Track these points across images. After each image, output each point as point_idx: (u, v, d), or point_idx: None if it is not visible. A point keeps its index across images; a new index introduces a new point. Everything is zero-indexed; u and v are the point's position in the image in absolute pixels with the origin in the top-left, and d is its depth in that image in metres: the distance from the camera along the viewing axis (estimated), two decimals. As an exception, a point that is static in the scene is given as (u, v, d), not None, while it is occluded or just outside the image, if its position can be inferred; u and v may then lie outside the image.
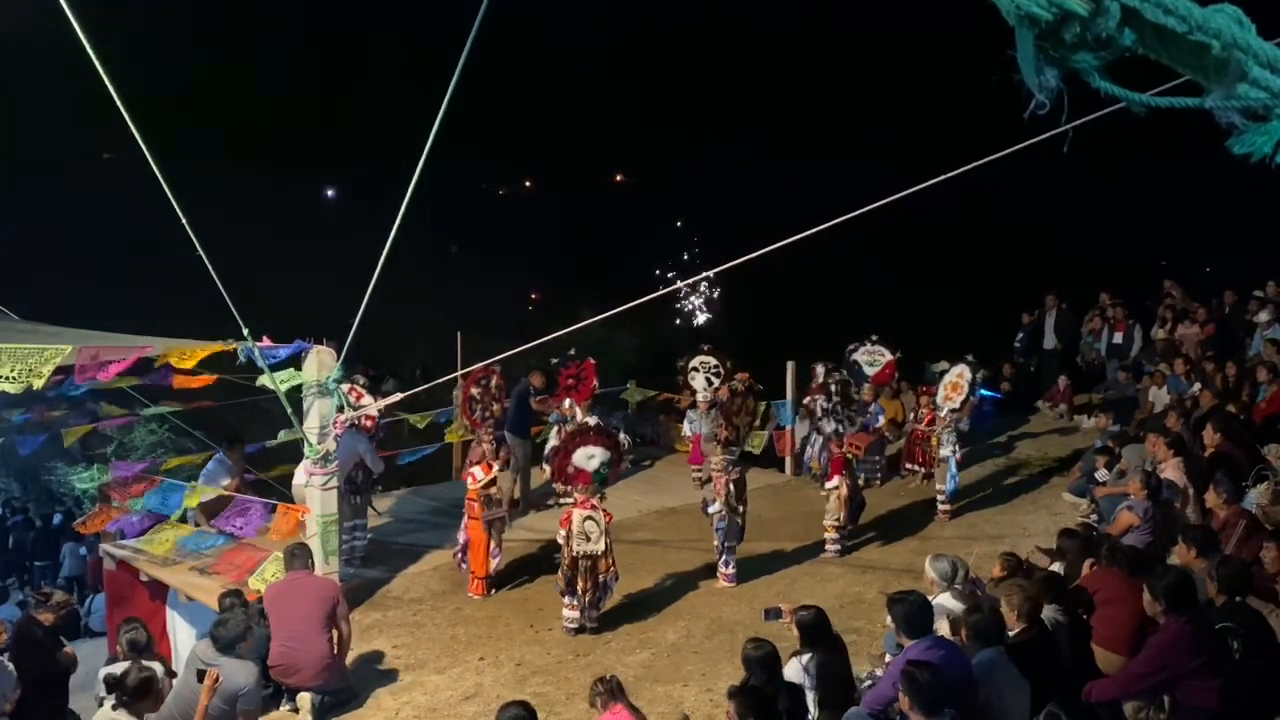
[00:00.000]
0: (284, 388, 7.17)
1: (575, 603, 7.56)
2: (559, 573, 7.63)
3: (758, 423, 11.81)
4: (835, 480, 9.23)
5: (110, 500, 9.26)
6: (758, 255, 5.28)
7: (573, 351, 11.08)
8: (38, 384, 6.50)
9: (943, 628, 5.18)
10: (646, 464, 13.29)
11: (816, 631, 5.22)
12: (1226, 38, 1.32)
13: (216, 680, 5.25)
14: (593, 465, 7.63)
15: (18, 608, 11.40)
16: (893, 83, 28.80)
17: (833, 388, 9.52)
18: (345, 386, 8.71)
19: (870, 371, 11.48)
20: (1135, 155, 19.23)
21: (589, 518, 7.54)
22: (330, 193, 26.49)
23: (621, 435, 8.24)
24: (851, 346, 11.56)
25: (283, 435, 9.76)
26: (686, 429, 12.45)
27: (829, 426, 9.38)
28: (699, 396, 11.32)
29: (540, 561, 9.05)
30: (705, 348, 11.66)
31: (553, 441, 10.71)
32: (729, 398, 8.97)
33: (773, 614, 5.65)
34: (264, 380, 7.20)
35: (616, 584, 7.89)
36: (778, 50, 31.82)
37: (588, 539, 7.48)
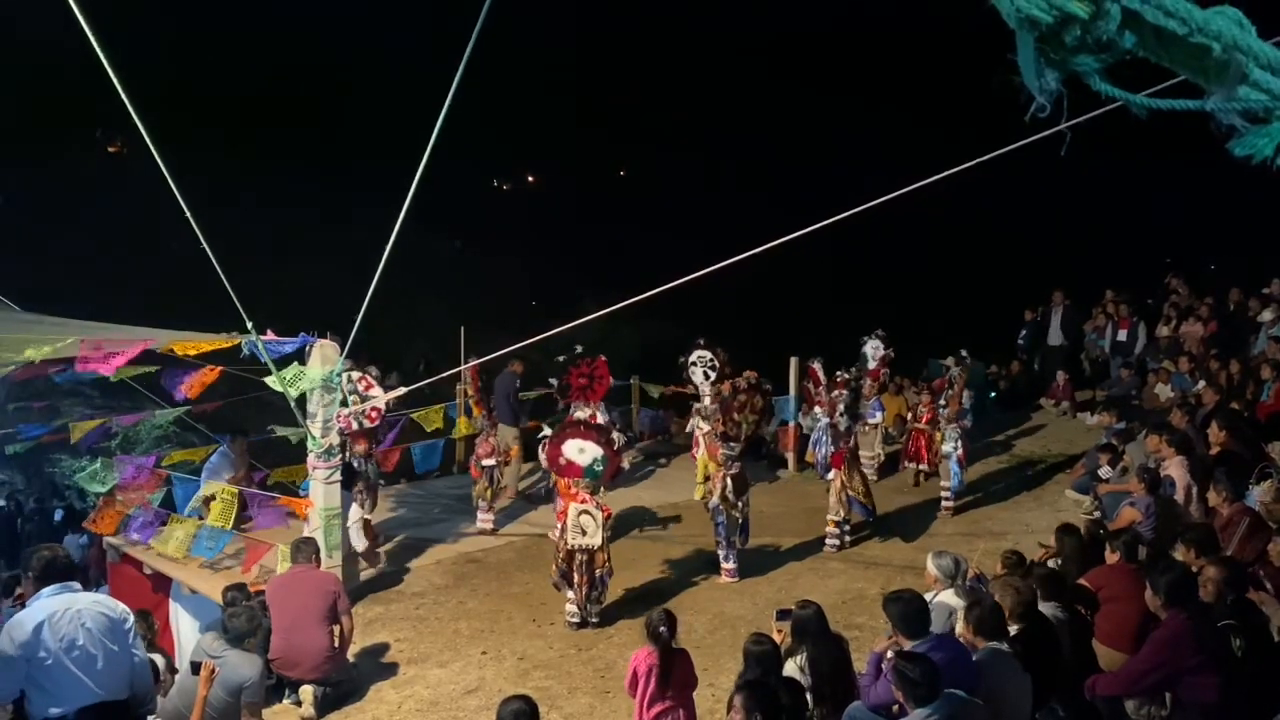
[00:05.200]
0: (292, 390, 7.17)
1: (574, 596, 7.58)
2: (553, 565, 7.65)
3: (762, 420, 11.85)
4: (833, 473, 9.30)
5: (117, 498, 9.24)
6: (756, 253, 5.28)
7: (579, 349, 11.03)
8: (35, 356, 6.53)
9: (957, 626, 5.14)
10: (644, 459, 13.28)
11: (806, 628, 5.22)
12: (1227, 40, 1.32)
13: (213, 673, 5.26)
14: (584, 460, 7.58)
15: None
16: (896, 81, 28.79)
17: (853, 384, 9.61)
18: (357, 375, 8.74)
19: (871, 365, 11.57)
20: (1140, 153, 19.19)
21: (585, 511, 7.51)
22: (336, 187, 26.53)
23: (615, 434, 8.14)
24: (864, 339, 11.76)
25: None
26: (693, 424, 12.40)
27: (844, 424, 9.42)
28: (700, 390, 11.30)
29: (542, 555, 9.05)
30: (700, 342, 11.67)
31: (546, 430, 10.72)
32: (730, 392, 8.96)
33: (785, 615, 5.65)
34: (271, 381, 7.20)
35: (611, 579, 7.86)
36: (781, 47, 31.80)
37: (583, 533, 7.47)
